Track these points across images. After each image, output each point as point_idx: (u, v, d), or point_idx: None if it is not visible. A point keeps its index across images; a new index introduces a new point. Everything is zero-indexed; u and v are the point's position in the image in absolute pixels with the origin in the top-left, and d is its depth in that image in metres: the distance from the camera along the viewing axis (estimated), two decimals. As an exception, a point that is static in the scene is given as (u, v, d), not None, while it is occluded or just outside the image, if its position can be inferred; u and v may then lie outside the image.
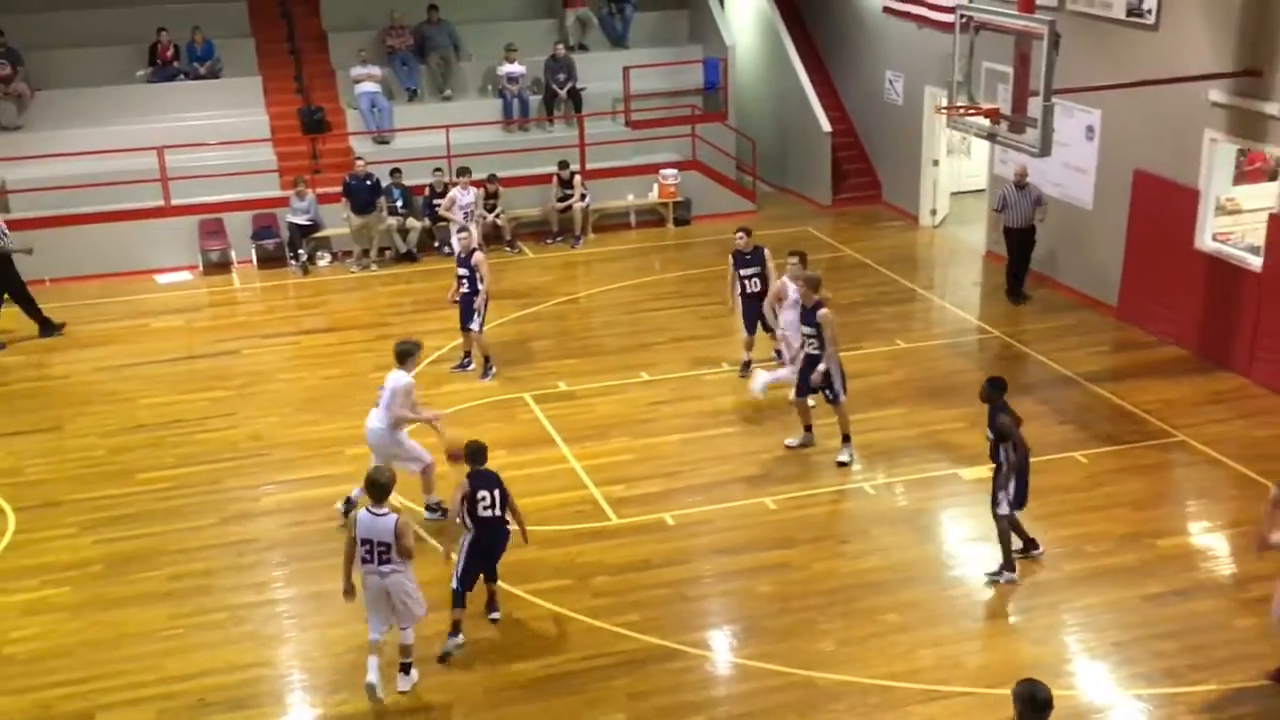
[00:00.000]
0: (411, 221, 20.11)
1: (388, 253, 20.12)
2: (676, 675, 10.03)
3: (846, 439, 13.23)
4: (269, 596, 11.27)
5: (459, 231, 17.06)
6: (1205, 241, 15.36)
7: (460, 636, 10.39)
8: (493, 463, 12.73)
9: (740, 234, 15.07)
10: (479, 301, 15.17)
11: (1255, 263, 14.67)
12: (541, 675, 10.07)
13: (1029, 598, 10.92)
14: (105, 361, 16.52)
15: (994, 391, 10.89)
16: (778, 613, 10.77)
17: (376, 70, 21.43)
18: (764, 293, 14.65)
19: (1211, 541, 11.89)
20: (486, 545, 10.44)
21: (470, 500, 10.31)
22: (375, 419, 11.94)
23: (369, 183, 19.71)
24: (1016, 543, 11.23)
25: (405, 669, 9.97)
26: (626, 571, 11.40)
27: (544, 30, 22.88)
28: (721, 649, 10.46)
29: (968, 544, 11.83)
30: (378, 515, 9.55)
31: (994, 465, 11.03)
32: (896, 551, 11.64)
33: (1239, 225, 15.76)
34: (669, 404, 14.72)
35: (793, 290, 13.46)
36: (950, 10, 17.00)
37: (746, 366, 15.20)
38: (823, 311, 12.82)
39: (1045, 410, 14.14)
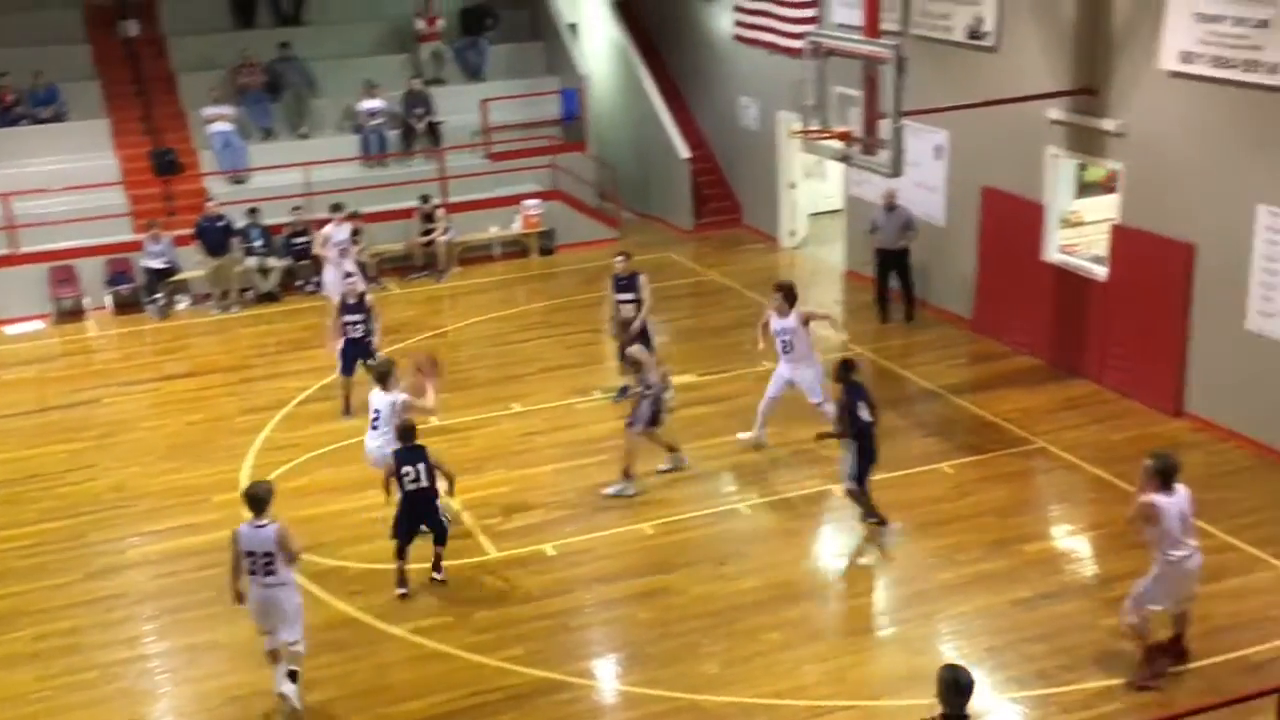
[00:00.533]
0: (272, 261, 19.77)
1: (249, 294, 19.74)
2: (563, 707, 9.95)
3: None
4: (140, 652, 10.89)
5: (346, 277, 16.80)
6: (1052, 254, 15.85)
7: (405, 589, 11.43)
8: (366, 501, 12.72)
9: (619, 257, 15.17)
10: (377, 342, 15.07)
11: (1100, 272, 15.18)
12: (426, 715, 9.90)
13: (904, 609, 11.11)
14: (-46, 418, 15.91)
15: (840, 370, 11.98)
16: (660, 638, 10.77)
17: (229, 109, 21.08)
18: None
19: (1074, 544, 12.24)
20: (414, 514, 11.38)
21: (398, 475, 11.20)
22: (374, 440, 12.27)
23: (221, 224, 19.33)
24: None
25: (292, 676, 9.88)
26: (508, 605, 11.31)
27: (398, 65, 22.72)
28: (606, 678, 10.44)
29: (844, 558, 12.01)
30: (258, 527, 9.63)
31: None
32: (774, 570, 11.74)
33: (1083, 237, 16.32)
34: (542, 434, 14.67)
35: (775, 323, 13.58)
36: (799, 37, 17.38)
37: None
38: (630, 349, 13.29)
39: (910, 424, 14.43)
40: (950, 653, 10.43)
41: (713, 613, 11.06)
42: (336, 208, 18.63)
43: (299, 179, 20.31)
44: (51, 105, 20.78)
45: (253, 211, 19.81)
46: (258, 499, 9.71)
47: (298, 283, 19.99)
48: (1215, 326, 13.73)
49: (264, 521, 9.62)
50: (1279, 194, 12.73)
